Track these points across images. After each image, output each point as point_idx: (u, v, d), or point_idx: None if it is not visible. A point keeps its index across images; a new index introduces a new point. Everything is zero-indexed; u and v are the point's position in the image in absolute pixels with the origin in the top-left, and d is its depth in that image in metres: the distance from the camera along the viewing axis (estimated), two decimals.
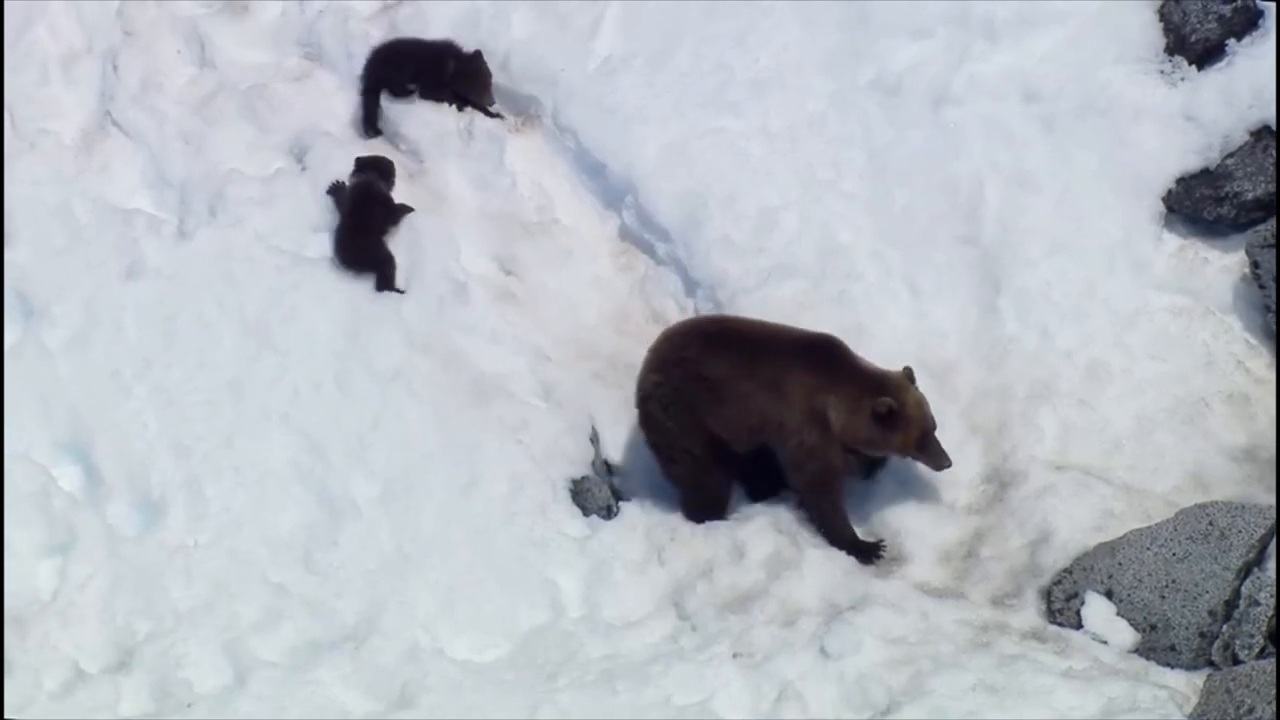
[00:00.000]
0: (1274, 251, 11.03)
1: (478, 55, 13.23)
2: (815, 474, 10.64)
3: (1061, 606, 10.01)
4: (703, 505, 11.06)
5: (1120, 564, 9.91)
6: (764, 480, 11.12)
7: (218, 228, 12.36)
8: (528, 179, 12.93)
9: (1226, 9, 11.92)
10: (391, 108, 13.37)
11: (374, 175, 12.57)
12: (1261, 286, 11.11)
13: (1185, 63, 11.92)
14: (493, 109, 13.31)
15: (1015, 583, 10.42)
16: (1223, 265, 11.55)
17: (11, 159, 12.87)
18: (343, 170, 12.72)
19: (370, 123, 13.29)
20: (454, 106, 13.28)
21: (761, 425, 10.69)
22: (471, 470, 11.11)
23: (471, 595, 10.64)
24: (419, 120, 13.29)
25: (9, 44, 13.57)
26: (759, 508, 11.16)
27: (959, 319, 11.55)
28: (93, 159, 13.08)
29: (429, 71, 13.28)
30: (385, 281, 12.08)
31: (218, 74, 13.65)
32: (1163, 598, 9.74)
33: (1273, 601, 9.53)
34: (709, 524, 10.99)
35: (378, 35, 13.73)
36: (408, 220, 12.44)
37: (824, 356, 10.55)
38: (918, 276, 11.78)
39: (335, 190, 12.61)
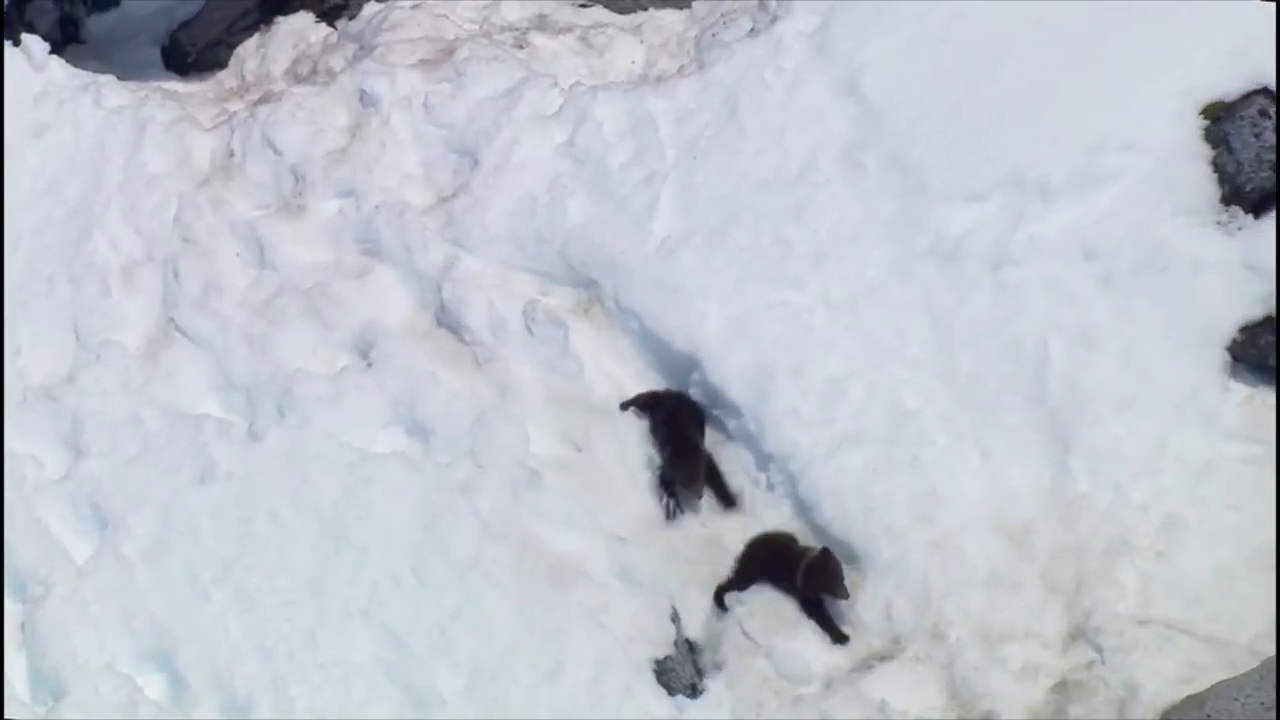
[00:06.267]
0: None
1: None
2: None
3: None
4: None
5: (1209, 716, 10.09)
6: None
7: (287, 428, 12.74)
8: (593, 362, 13.23)
9: None
10: (450, 295, 13.73)
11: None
12: None
13: (1241, 212, 12.20)
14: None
15: None
16: None
17: (78, 370, 13.50)
18: (408, 365, 13.11)
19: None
20: None
21: None
22: (555, 656, 11.36)
23: None
24: (479, 308, 13.61)
25: (69, 257, 14.25)
26: (842, 679, 11.43)
27: (1032, 480, 11.78)
28: (159, 366, 13.57)
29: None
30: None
31: (278, 275, 14.09)
32: None
33: None
34: (798, 696, 11.31)
35: (434, 228, 14.15)
36: (478, 412, 12.77)
37: None
38: (988, 439, 12.03)
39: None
